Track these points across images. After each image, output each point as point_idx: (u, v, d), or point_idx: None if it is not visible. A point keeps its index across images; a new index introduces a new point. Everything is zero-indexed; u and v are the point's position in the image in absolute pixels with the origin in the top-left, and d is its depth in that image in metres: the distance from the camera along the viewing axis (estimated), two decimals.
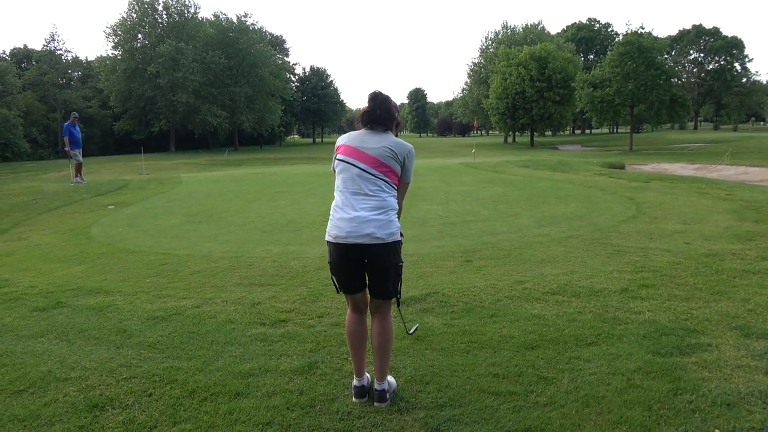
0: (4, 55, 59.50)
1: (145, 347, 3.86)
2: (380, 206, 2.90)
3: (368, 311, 3.16)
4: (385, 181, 2.95)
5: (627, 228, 7.57)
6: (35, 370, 3.54)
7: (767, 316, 4.01)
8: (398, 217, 3.03)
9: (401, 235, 3.00)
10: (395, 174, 2.99)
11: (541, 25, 66.94)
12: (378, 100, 3.01)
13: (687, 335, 3.68)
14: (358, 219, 2.86)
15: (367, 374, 3.14)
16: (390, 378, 3.11)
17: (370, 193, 2.91)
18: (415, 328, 3.75)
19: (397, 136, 3.12)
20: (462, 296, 4.67)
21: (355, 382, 3.07)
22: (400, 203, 3.08)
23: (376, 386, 3.00)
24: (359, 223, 2.85)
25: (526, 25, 66.42)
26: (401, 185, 3.08)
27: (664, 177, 15.64)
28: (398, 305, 3.16)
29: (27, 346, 4.00)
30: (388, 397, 2.99)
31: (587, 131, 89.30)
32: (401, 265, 3.03)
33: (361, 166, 2.93)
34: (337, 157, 3.02)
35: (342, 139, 3.08)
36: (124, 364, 3.57)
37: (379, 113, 2.99)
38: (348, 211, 2.89)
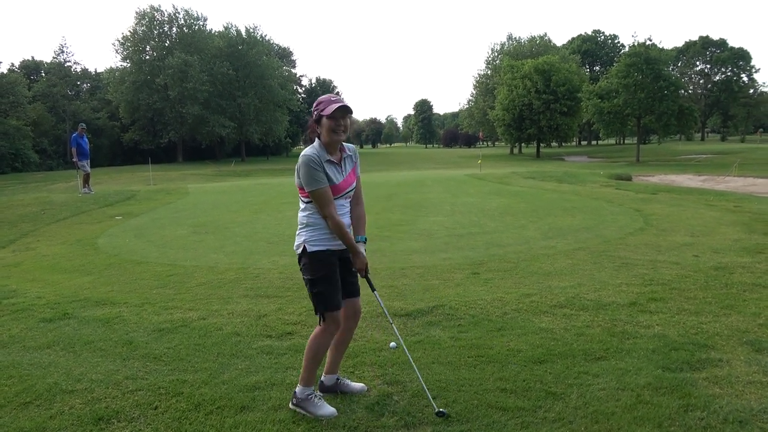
0: (14, 67, 60.23)
1: (151, 359, 3.85)
2: (297, 222, 3.17)
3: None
4: (300, 198, 3.12)
5: (634, 240, 7.53)
6: (41, 381, 3.54)
7: None
8: (334, 229, 2.98)
9: (305, 249, 3.04)
10: (302, 189, 3.05)
11: (547, 37, 67.24)
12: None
13: (697, 350, 3.64)
14: None
15: (337, 376, 3.31)
16: (298, 387, 3.11)
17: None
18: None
19: (310, 132, 3.08)
20: (469, 309, 4.64)
21: (322, 376, 3.30)
22: (322, 213, 3.01)
23: (297, 388, 3.13)
24: None
25: (532, 36, 66.72)
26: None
27: (671, 189, 15.58)
28: (319, 322, 3.11)
29: (34, 357, 4.00)
30: (293, 402, 3.08)
31: (594, 142, 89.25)
32: (307, 280, 3.07)
33: None
34: None
35: None
36: (130, 377, 3.56)
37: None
38: None
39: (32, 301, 5.52)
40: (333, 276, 3.05)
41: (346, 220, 3.10)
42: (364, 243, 3.17)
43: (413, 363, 3.18)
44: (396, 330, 3.17)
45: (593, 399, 3.04)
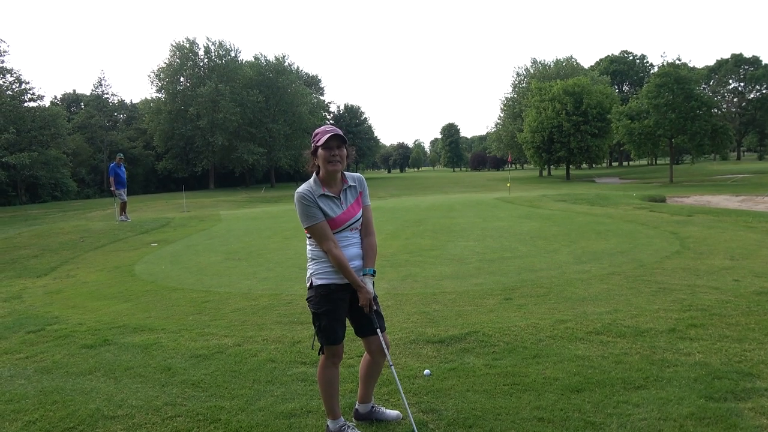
0: (56, 100, 62.83)
1: (189, 385, 3.92)
2: None
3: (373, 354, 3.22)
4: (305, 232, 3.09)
5: (671, 264, 7.36)
6: (84, 407, 3.63)
7: None
8: (335, 264, 2.96)
9: (312, 283, 3.05)
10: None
11: (573, 59, 67.00)
12: None
13: (742, 379, 3.53)
14: None
15: (372, 404, 3.31)
16: (329, 421, 3.14)
17: None
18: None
19: (310, 167, 3.07)
20: (503, 336, 4.60)
21: (356, 404, 3.35)
22: (320, 248, 3.00)
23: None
24: None
25: (557, 59, 66.60)
26: None
27: (707, 210, 15.20)
28: (318, 353, 3.14)
29: (76, 383, 4.11)
30: None
31: (625, 163, 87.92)
32: (312, 314, 3.09)
33: None
34: None
35: None
36: (169, 403, 3.63)
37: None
38: None
39: (74, 327, 5.69)
40: (337, 311, 3.02)
41: (354, 251, 3.05)
42: (373, 276, 3.07)
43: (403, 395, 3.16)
44: (395, 373, 3.07)
45: (634, 429, 2.98)
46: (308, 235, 3.05)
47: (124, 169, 17.15)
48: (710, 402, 3.24)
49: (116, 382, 4.09)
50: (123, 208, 17.52)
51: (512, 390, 3.56)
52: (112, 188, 17.11)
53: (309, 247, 3.09)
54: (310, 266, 3.08)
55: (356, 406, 3.32)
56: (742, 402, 3.23)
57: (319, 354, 3.13)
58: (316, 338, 3.10)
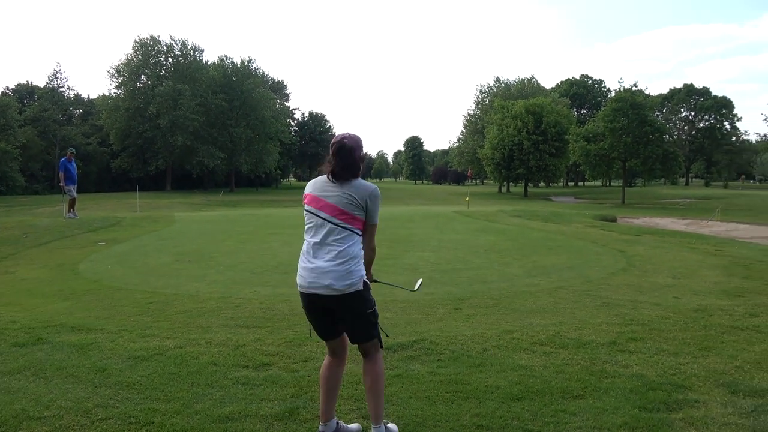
0: (8, 90, 60.36)
1: (123, 387, 3.77)
2: (339, 256, 2.85)
3: (356, 355, 3.12)
4: (345, 228, 2.89)
5: (617, 280, 7.58)
6: (8, 407, 3.44)
7: (755, 373, 3.98)
8: (371, 260, 3.03)
9: (367, 281, 2.96)
10: (358, 220, 2.92)
11: (534, 80, 68.84)
12: (342, 154, 2.93)
13: (674, 391, 3.64)
14: (318, 269, 2.86)
15: (336, 420, 3.10)
16: (391, 425, 3.07)
17: (330, 243, 2.88)
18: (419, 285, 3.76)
19: (360, 168, 3.02)
20: (449, 344, 4.62)
21: (320, 427, 3.05)
22: (368, 245, 3.02)
23: (373, 430, 2.96)
24: (318, 273, 2.85)
25: (520, 79, 68.31)
26: (367, 227, 2.99)
27: (654, 231, 15.76)
28: (380, 347, 3.08)
29: (2, 382, 3.90)
30: None
31: (581, 183, 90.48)
32: (370, 312, 2.97)
33: (323, 215, 2.91)
34: (305, 208, 3.02)
35: (308, 188, 3.05)
36: (101, 404, 3.48)
37: (339, 171, 2.92)
38: (310, 260, 2.91)
39: (5, 325, 5.41)
40: None
41: None
42: None
43: None
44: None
45: None
46: (359, 232, 2.94)
47: (75, 165, 16.59)
48: (644, 412, 3.32)
49: (46, 382, 3.90)
50: (72, 204, 16.90)
51: (454, 397, 3.57)
52: (61, 184, 16.51)
53: (358, 246, 2.94)
54: (357, 266, 2.89)
55: (321, 429, 3.04)
56: (674, 413, 3.33)
57: (378, 349, 3.07)
58: (380, 334, 3.06)
